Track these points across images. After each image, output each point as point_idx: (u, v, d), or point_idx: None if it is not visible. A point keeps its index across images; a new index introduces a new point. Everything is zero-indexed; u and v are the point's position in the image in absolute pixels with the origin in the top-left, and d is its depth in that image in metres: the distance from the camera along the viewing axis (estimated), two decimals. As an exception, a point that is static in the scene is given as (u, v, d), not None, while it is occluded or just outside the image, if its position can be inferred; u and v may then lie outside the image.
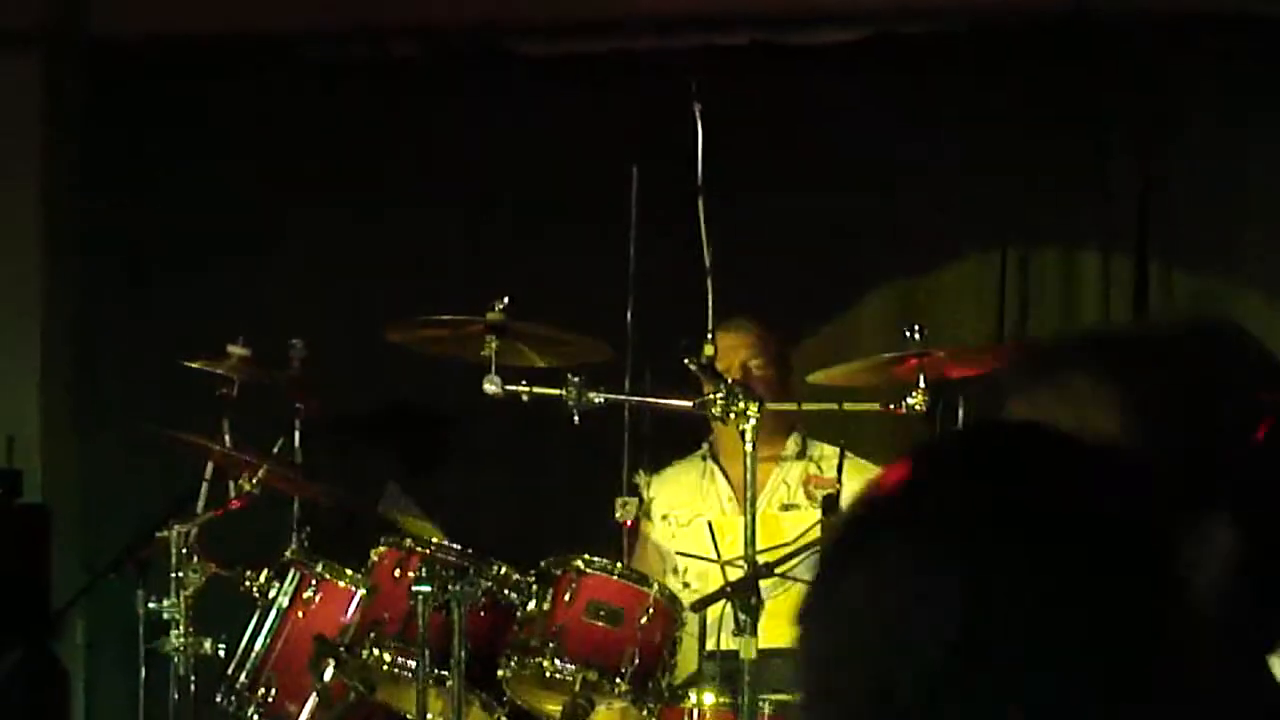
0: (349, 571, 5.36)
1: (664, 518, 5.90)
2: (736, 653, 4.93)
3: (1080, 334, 1.91)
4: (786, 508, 5.81)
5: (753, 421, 5.07)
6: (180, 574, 5.43)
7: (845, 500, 5.25)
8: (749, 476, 5.08)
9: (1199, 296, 6.65)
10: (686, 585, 5.64)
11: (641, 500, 5.86)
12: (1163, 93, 6.72)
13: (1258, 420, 1.68)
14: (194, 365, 5.79)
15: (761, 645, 4.84)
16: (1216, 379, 1.73)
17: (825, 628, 1.30)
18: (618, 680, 4.98)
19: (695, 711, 5.05)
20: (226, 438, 5.68)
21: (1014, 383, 1.81)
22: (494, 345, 5.21)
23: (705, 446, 5.99)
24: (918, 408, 5.17)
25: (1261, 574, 1.34)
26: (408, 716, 5.17)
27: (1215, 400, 1.71)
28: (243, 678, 5.38)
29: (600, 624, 5.01)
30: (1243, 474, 1.65)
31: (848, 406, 5.44)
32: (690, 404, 5.22)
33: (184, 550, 5.42)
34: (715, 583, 5.22)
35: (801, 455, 5.92)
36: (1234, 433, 1.68)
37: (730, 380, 5.20)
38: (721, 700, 5.05)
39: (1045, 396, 1.74)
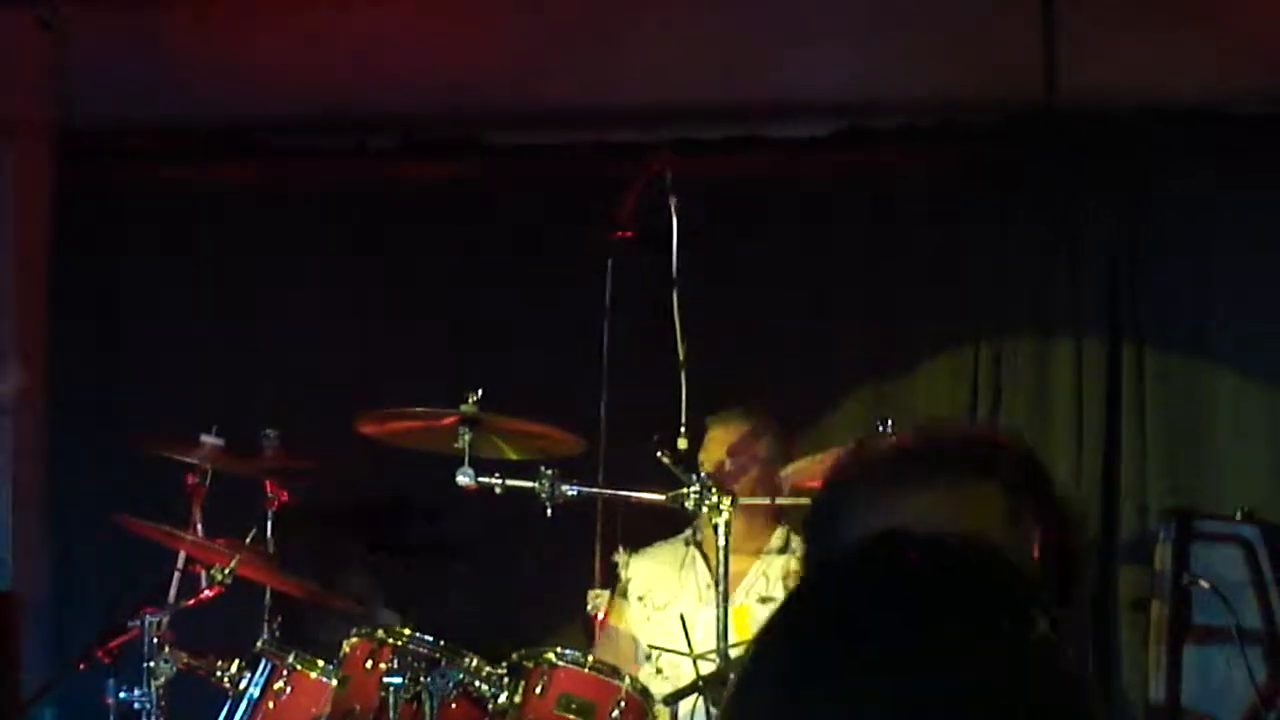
0: (320, 662, 5.34)
1: (640, 598, 5.89)
2: (709, 746, 4.93)
3: (958, 434, 2.10)
4: (764, 600, 5.80)
5: (725, 515, 5.09)
6: (152, 664, 5.40)
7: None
8: (722, 570, 5.10)
9: (1171, 377, 6.68)
10: (659, 672, 5.65)
11: (618, 579, 5.86)
12: (1132, 182, 6.77)
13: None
14: (166, 454, 5.80)
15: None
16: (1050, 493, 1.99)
17: None
18: (589, 774, 4.97)
19: (668, 805, 5.05)
20: (198, 526, 5.68)
21: (908, 477, 1.94)
22: (467, 438, 5.23)
23: (689, 531, 5.99)
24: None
25: None
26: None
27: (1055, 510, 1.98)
28: (213, 769, 5.36)
29: (572, 717, 5.00)
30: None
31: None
32: (663, 497, 5.23)
33: (155, 640, 5.40)
34: (688, 670, 5.22)
35: (785, 549, 5.91)
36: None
37: (704, 474, 5.22)
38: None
39: (939, 495, 1.91)
